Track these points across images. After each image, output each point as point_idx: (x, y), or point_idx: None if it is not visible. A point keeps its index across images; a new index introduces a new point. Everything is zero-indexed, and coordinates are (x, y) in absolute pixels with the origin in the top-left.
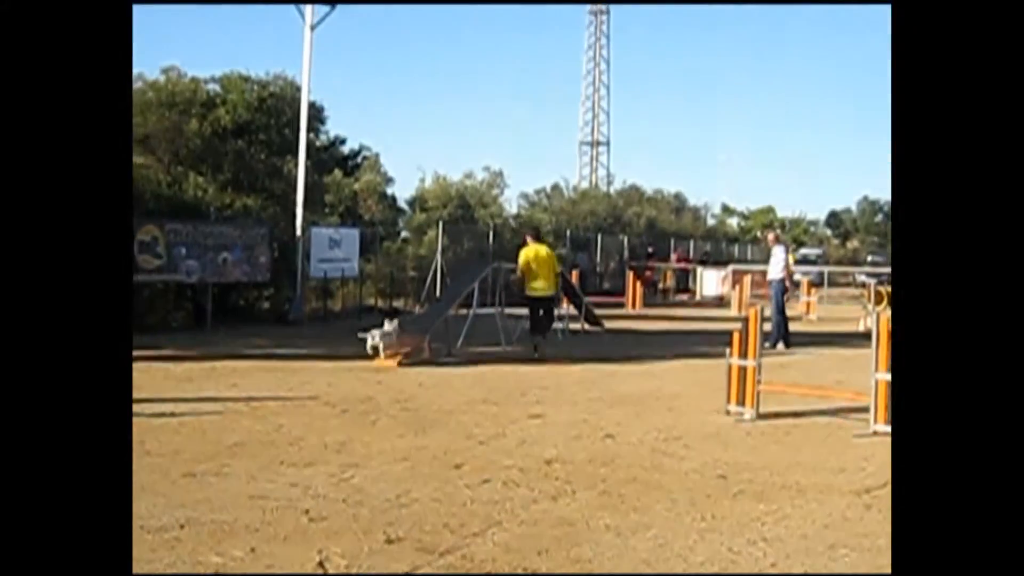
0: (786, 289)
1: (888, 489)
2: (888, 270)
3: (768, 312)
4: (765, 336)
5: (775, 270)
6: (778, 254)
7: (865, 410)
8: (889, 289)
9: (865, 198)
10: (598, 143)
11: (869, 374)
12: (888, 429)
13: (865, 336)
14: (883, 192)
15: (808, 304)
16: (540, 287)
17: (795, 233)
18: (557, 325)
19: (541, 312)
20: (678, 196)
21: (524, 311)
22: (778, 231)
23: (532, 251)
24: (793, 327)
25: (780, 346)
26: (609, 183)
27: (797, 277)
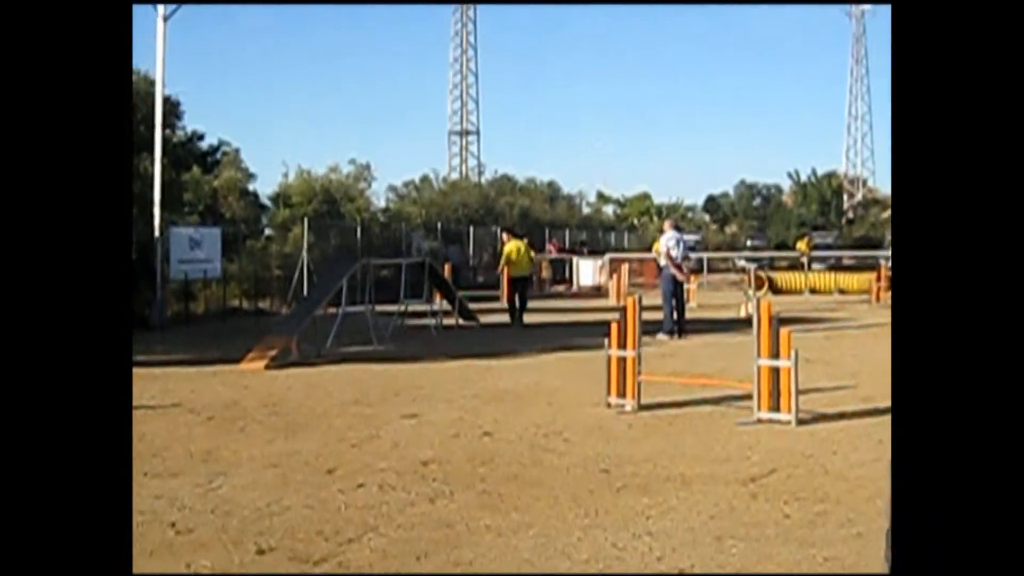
0: (677, 279)
1: (773, 477)
2: (767, 254)
3: (660, 301)
4: (658, 327)
5: (664, 258)
6: (665, 241)
7: (748, 398)
8: (769, 273)
9: (743, 182)
10: (467, 132)
11: (752, 361)
12: (771, 416)
13: (747, 322)
14: (760, 175)
15: (690, 291)
16: (522, 270)
17: (676, 218)
18: (429, 321)
19: (523, 288)
20: (552, 185)
21: (395, 308)
22: (676, 217)
23: (515, 245)
24: None
25: (662, 336)
26: (480, 173)
27: (688, 265)
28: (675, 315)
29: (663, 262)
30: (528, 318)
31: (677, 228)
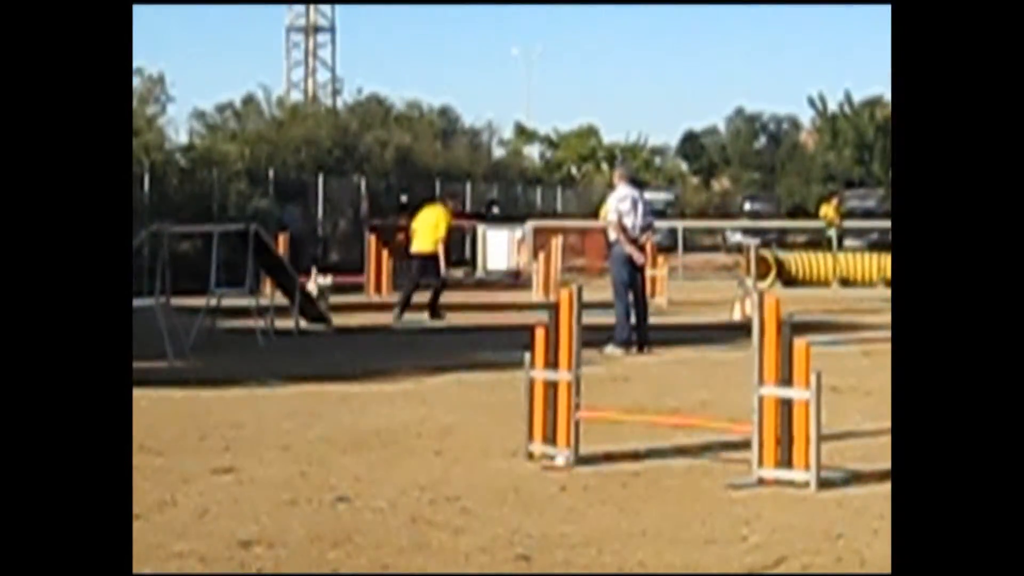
0: (634, 261)
1: (783, 570)
2: (775, 224)
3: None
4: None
5: (614, 229)
6: (615, 202)
7: (746, 446)
8: (778, 254)
9: (739, 112)
10: (316, 29)
11: (750, 390)
12: (780, 475)
13: (743, 329)
14: (766, 101)
15: (654, 281)
16: (423, 245)
17: (633, 167)
18: (257, 324)
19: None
20: (446, 113)
21: (201, 302)
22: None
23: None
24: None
25: (614, 349)
26: (336, 93)
27: (643, 239)
28: (633, 317)
29: (614, 235)
30: (407, 319)
31: (634, 182)
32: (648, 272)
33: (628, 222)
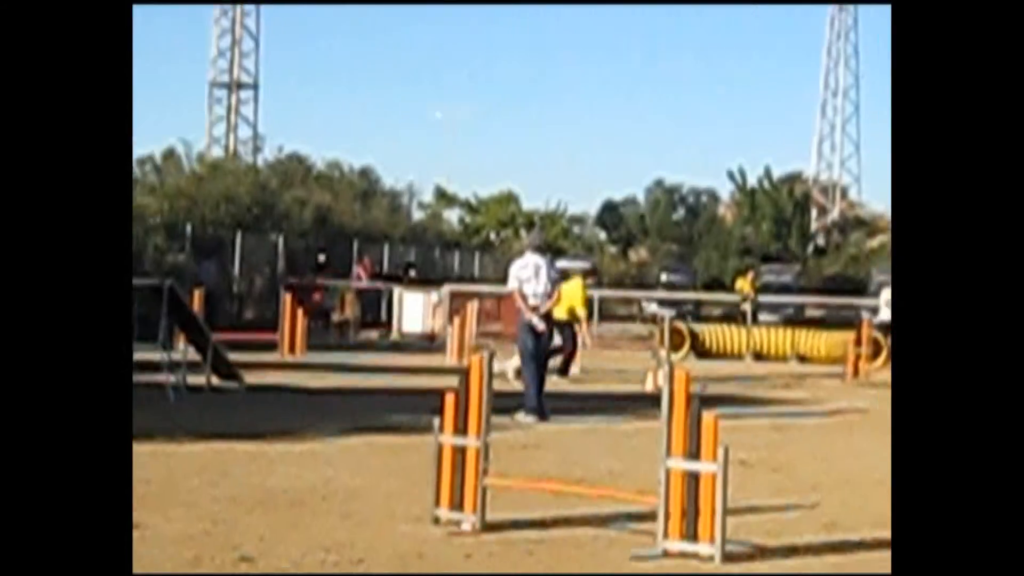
0: (537, 326)
1: None
2: (691, 296)
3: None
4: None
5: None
6: (515, 270)
7: (652, 518)
8: (692, 326)
9: (659, 183)
10: (240, 85)
11: (658, 461)
12: (685, 547)
13: (654, 400)
14: (686, 174)
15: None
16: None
17: (551, 235)
18: (165, 378)
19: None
20: (367, 174)
21: None
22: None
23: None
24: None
25: (524, 417)
26: (257, 151)
27: (546, 306)
28: (542, 383)
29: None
30: (320, 380)
31: (541, 250)
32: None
33: (528, 289)
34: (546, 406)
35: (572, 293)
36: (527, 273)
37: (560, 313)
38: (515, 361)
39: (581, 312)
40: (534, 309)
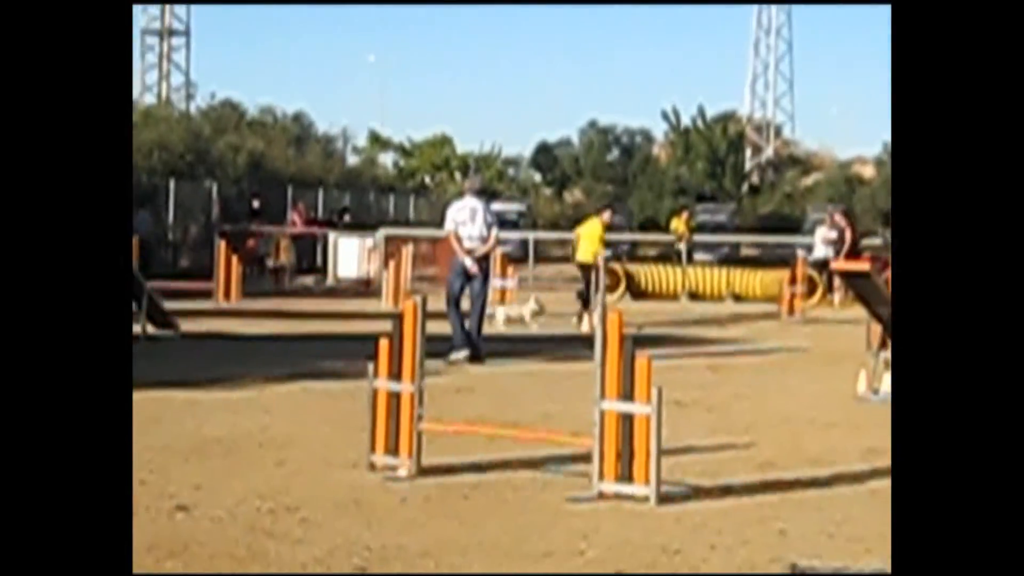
0: (470, 268)
1: None
2: (626, 237)
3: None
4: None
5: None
6: (450, 211)
7: (586, 460)
8: (627, 267)
9: (592, 124)
10: (171, 32)
11: (592, 403)
12: (620, 489)
13: (588, 341)
14: (620, 114)
15: (504, 292)
16: None
17: (486, 177)
18: None
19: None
20: (300, 119)
21: None
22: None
23: None
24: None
25: (454, 355)
26: (189, 98)
27: (481, 250)
28: (466, 324)
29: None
30: (256, 327)
31: (480, 193)
32: (498, 283)
33: (464, 232)
34: (482, 348)
35: (591, 234)
36: (463, 216)
37: (584, 256)
38: (531, 304)
39: (600, 252)
40: (468, 252)
